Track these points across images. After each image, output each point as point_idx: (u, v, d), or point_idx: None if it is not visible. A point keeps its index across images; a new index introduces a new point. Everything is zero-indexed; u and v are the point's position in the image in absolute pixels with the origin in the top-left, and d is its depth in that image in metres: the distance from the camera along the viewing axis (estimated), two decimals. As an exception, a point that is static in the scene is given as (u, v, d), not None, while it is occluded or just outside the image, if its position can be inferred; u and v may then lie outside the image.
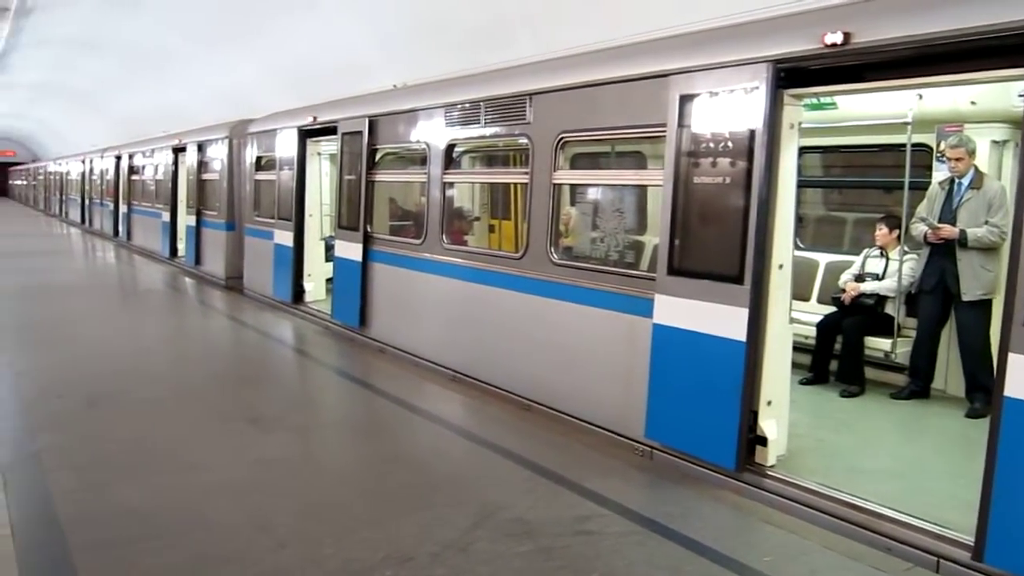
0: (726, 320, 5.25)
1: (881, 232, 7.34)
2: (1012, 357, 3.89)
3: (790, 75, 5.09)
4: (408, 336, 9.07)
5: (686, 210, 5.59)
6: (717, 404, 5.31)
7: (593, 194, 7.94)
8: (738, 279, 5.19)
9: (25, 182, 56.92)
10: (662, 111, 5.73)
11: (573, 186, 7.89)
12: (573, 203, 8.15)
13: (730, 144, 5.26)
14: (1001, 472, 3.94)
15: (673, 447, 5.73)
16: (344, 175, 10.39)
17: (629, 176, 7.33)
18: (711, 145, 5.39)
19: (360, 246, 9.80)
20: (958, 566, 4.17)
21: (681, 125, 5.58)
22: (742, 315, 5.16)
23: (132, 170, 22.80)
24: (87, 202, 30.64)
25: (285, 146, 12.13)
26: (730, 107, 5.27)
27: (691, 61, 5.58)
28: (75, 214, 33.12)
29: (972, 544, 4.09)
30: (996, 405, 3.98)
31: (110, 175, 25.52)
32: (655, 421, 5.77)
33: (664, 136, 5.74)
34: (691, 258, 5.57)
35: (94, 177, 28.95)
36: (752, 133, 5.11)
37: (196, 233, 16.54)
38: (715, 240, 5.42)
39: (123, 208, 23.78)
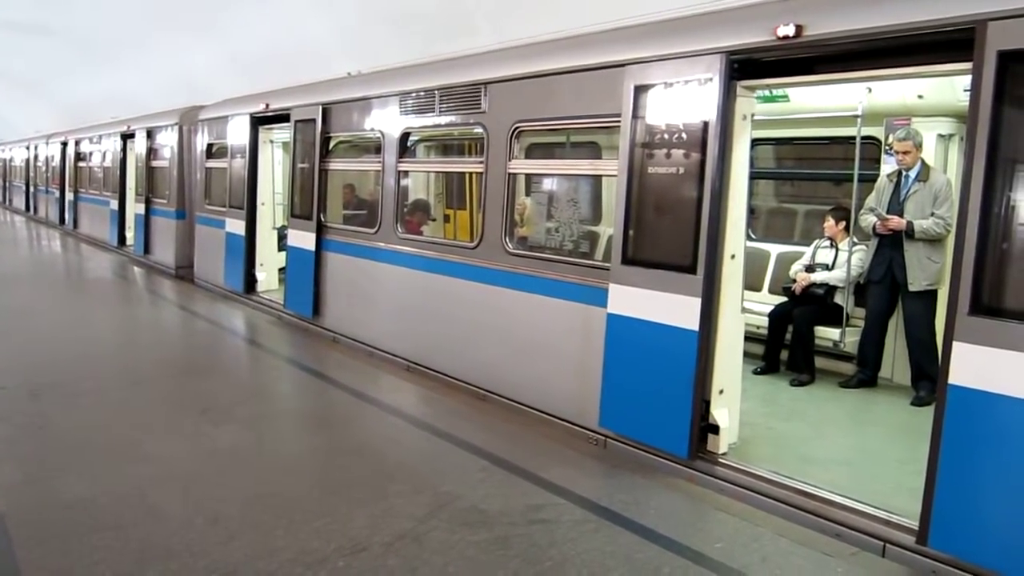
0: (679, 309, 5.29)
1: (828, 224, 7.47)
2: (956, 346, 3.97)
3: (743, 67, 5.13)
4: (362, 326, 9.01)
5: (640, 200, 5.62)
6: (670, 393, 5.34)
7: (548, 184, 7.94)
8: (691, 269, 5.23)
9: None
10: (616, 101, 5.75)
11: (528, 176, 7.89)
12: (528, 193, 8.15)
13: (684, 135, 5.30)
14: (945, 458, 4.02)
15: (627, 436, 5.77)
16: (297, 163, 10.27)
17: (584, 166, 7.35)
18: (665, 136, 5.41)
19: (313, 235, 9.70)
20: (903, 550, 4.26)
21: (636, 115, 5.60)
22: (695, 304, 5.21)
23: (79, 157, 22.26)
24: (32, 189, 29.90)
25: (237, 133, 11.93)
26: (684, 98, 5.30)
27: (646, 52, 5.60)
28: (19, 202, 32.31)
29: (917, 529, 4.18)
30: (941, 393, 4.06)
31: (56, 162, 24.91)
32: (609, 410, 5.81)
33: (618, 126, 5.76)
34: (645, 248, 5.60)
35: (39, 164, 28.24)
36: (705, 124, 5.15)
37: (145, 222, 16.22)
38: (669, 230, 5.46)
39: (69, 196, 23.24)
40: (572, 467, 5.49)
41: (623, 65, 5.72)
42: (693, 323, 5.22)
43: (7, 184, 36.54)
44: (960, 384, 3.96)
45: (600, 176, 7.45)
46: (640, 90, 5.57)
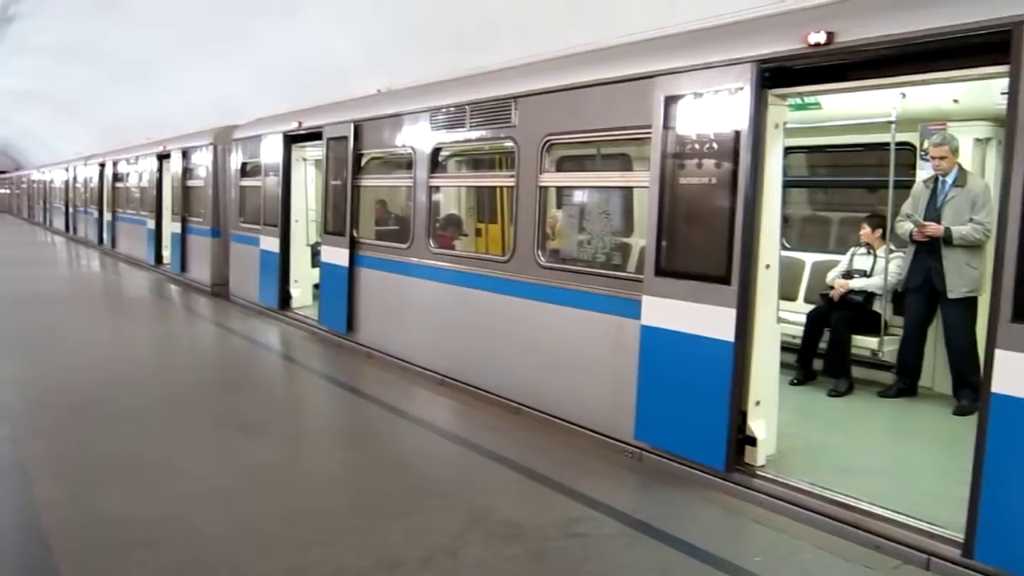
0: (714, 320, 5.24)
1: (864, 231, 7.38)
2: (999, 353, 3.90)
3: (775, 75, 5.10)
4: (396, 341, 9.04)
5: (672, 211, 5.59)
6: (706, 405, 5.30)
7: (579, 196, 7.93)
8: (725, 279, 5.19)
9: (8, 191, 56.67)
10: (646, 113, 5.74)
11: (559, 188, 7.89)
12: (559, 205, 8.15)
13: (716, 145, 5.27)
14: (989, 468, 3.94)
15: (663, 448, 5.72)
16: (330, 180, 10.37)
17: (614, 178, 7.33)
18: (697, 146, 5.39)
19: (346, 251, 9.77)
20: (948, 563, 4.17)
21: (667, 126, 5.58)
22: (730, 315, 5.16)
23: (116, 177, 22.69)
24: (71, 210, 30.49)
25: (270, 152, 12.07)
26: (715, 108, 5.27)
27: (676, 62, 5.58)
28: (59, 222, 32.97)
29: (962, 541, 4.10)
30: (984, 401, 3.98)
31: (94, 183, 25.39)
32: (644, 423, 5.77)
33: (648, 138, 5.74)
34: (678, 259, 5.57)
35: (78, 185, 28.82)
36: (737, 134, 5.12)
37: (181, 240, 16.46)
38: (702, 241, 5.43)
39: (107, 216, 23.68)
40: (607, 480, 5.46)
41: (653, 76, 5.70)
42: (728, 334, 5.17)
43: (47, 205, 37.26)
44: (1003, 392, 3.88)
45: (631, 188, 7.41)
46: (670, 101, 5.55)
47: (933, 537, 4.32)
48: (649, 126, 5.72)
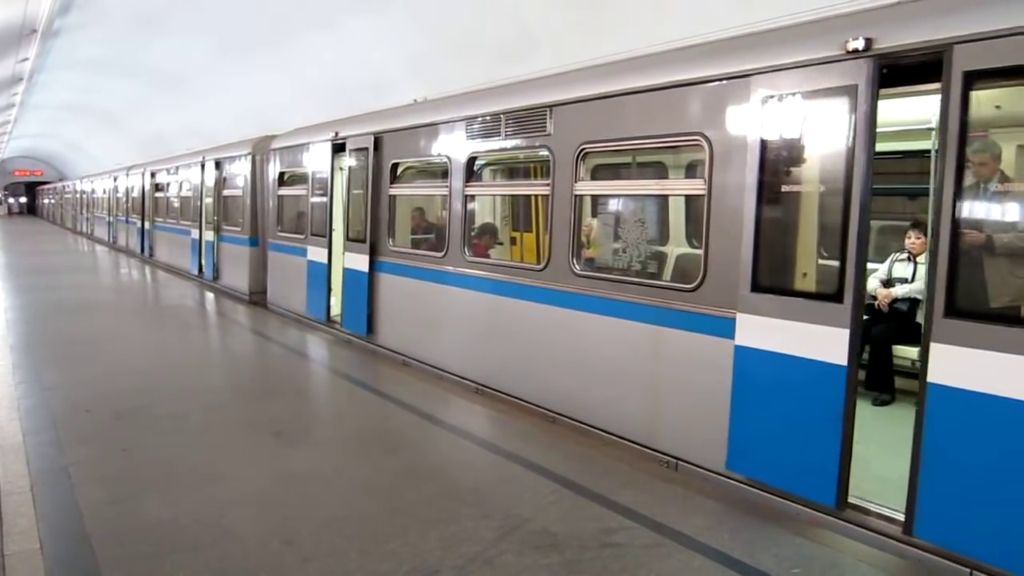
0: (823, 342, 4.84)
1: (911, 239, 7.27)
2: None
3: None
4: (429, 349, 9.09)
5: (772, 221, 5.19)
6: (812, 435, 4.93)
7: (614, 205, 7.89)
8: (837, 297, 4.79)
9: (52, 201, 57.77)
10: (692, 120, 5.69)
11: (595, 197, 7.85)
12: (595, 215, 8.11)
13: (824, 148, 4.88)
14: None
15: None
16: (352, 189, 10.60)
17: (652, 186, 7.25)
18: (801, 150, 5.01)
19: (366, 257, 10.06)
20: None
21: (764, 129, 5.18)
22: (842, 337, 4.75)
23: (157, 187, 23.05)
24: (112, 220, 30.99)
25: (315, 161, 12.01)
26: (824, 107, 4.89)
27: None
28: (101, 232, 33.49)
29: None
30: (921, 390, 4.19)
31: (135, 193, 25.80)
32: (740, 452, 5.38)
33: (693, 145, 5.71)
34: (780, 274, 5.21)
35: (119, 195, 29.29)
36: (850, 135, 4.72)
37: (216, 249, 16.67)
38: (810, 254, 5.08)
39: (148, 225, 24.07)
40: (644, 490, 5.42)
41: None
42: (841, 357, 4.75)
43: (90, 215, 37.88)
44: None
45: (667, 196, 7.34)
46: (768, 101, 5.16)
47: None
48: (693, 133, 5.69)
